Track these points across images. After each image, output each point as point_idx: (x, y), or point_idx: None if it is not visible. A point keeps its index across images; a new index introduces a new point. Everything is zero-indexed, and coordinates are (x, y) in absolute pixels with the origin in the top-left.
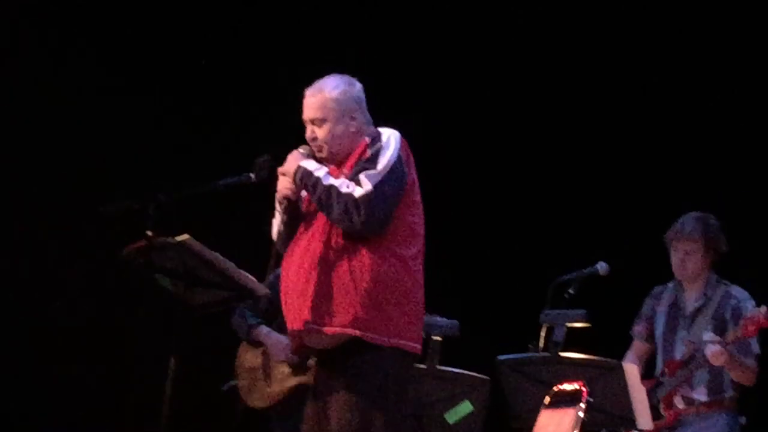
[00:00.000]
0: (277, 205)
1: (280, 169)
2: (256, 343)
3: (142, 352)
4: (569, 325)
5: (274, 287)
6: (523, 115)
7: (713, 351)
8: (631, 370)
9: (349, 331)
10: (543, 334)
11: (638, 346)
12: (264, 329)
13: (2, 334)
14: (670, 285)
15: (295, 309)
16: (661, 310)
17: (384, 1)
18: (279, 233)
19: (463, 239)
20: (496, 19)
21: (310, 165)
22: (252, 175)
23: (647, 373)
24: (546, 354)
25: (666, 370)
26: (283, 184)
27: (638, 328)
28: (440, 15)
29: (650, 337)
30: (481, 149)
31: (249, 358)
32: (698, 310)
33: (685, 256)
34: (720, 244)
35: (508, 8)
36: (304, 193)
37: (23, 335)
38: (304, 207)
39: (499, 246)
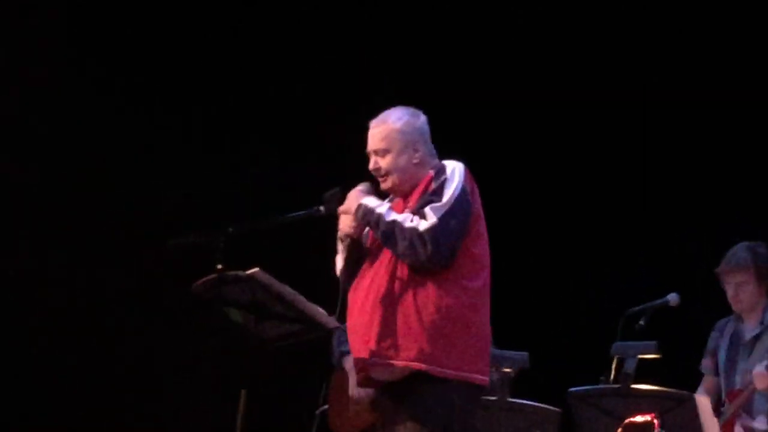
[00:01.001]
0: (339, 243)
1: (340, 208)
2: (345, 371)
3: (214, 386)
4: (640, 356)
5: None
6: (594, 146)
7: (757, 373)
8: (703, 402)
9: (415, 364)
10: (614, 365)
11: (708, 381)
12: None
13: (77, 369)
14: (732, 317)
15: (361, 342)
16: (723, 342)
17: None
18: (342, 270)
19: (534, 271)
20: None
21: (372, 202)
22: (321, 208)
23: (718, 406)
24: (617, 386)
25: (727, 400)
26: (345, 223)
27: (706, 362)
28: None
29: (717, 370)
30: (554, 180)
31: (341, 384)
32: (756, 338)
33: (738, 288)
34: None
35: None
36: (367, 230)
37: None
38: (368, 243)
39: (570, 278)
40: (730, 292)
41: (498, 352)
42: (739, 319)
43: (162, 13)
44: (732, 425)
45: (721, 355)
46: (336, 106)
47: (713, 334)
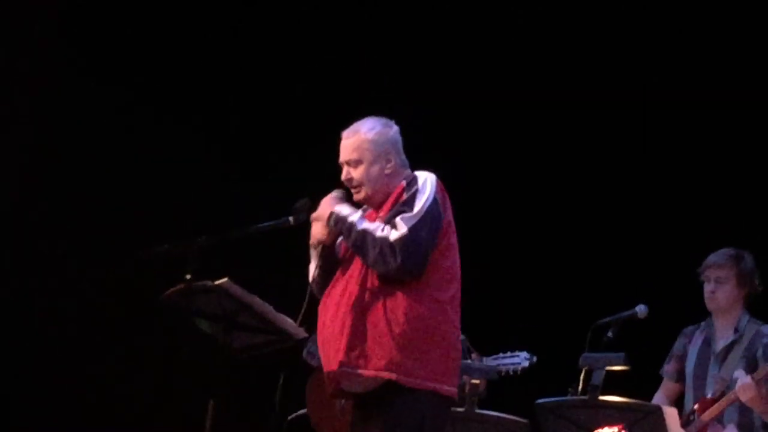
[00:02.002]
0: (312, 251)
1: (313, 215)
2: None
3: (182, 396)
4: (608, 368)
5: None
6: (560, 158)
7: (742, 384)
8: (671, 413)
9: (385, 374)
10: (582, 377)
11: (668, 386)
12: None
13: (44, 383)
14: (702, 324)
15: (331, 352)
16: (693, 348)
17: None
18: (314, 278)
19: (501, 283)
20: (532, 57)
21: (344, 210)
22: (291, 219)
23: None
24: (585, 397)
25: (698, 408)
26: (317, 230)
27: (668, 368)
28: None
29: (680, 376)
30: (518, 191)
31: (319, 384)
32: (729, 348)
33: (717, 286)
34: (753, 279)
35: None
36: (340, 239)
37: (64, 379)
38: (341, 252)
39: (537, 289)
40: (708, 289)
41: (466, 363)
42: (711, 325)
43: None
44: None
45: (690, 363)
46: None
47: (680, 339)
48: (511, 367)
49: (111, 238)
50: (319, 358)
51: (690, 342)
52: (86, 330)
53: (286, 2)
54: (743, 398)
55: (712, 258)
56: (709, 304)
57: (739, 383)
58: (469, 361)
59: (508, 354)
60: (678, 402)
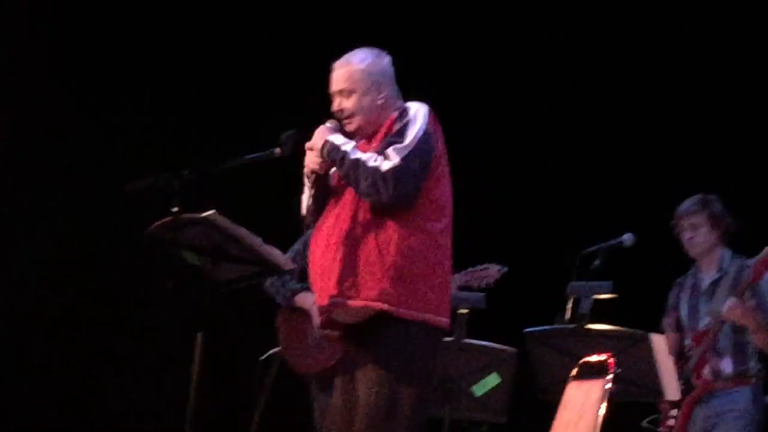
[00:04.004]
0: (306, 180)
1: (307, 144)
2: (298, 309)
3: (169, 328)
4: (596, 296)
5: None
6: (553, 92)
7: (729, 304)
8: (658, 340)
9: (376, 304)
10: (570, 306)
11: (670, 338)
12: (309, 296)
13: (26, 316)
14: (690, 271)
15: (323, 283)
16: (684, 295)
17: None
18: (308, 208)
19: (489, 211)
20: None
21: (338, 139)
22: (278, 150)
23: (680, 361)
24: (573, 326)
25: (693, 343)
26: (311, 159)
27: (667, 320)
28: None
29: (678, 325)
30: (508, 122)
31: (296, 323)
32: (715, 284)
33: (693, 232)
34: (725, 219)
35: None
36: (333, 169)
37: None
38: (333, 182)
39: (525, 218)
40: (685, 237)
41: (454, 293)
42: (697, 270)
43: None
44: (701, 367)
45: (683, 308)
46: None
47: (673, 291)
48: (483, 282)
49: (98, 172)
50: (283, 295)
51: (682, 289)
52: (74, 263)
53: None
54: (732, 317)
55: (682, 207)
56: (691, 251)
57: (725, 306)
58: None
59: (479, 267)
60: (682, 352)
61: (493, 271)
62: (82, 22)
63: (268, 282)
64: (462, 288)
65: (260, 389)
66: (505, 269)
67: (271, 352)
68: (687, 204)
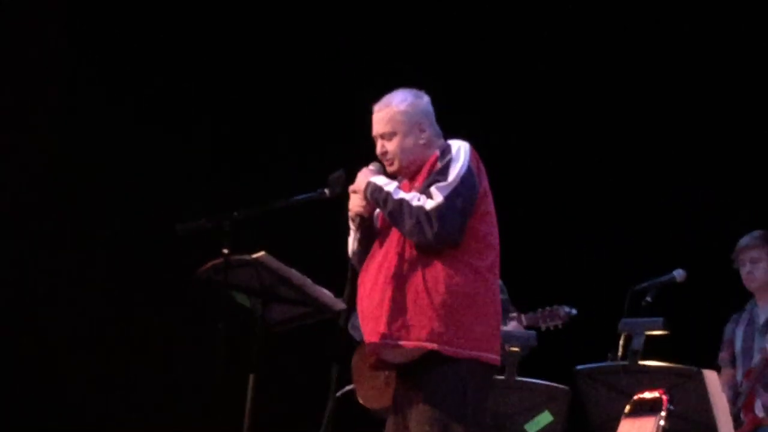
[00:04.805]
0: (351, 223)
1: (351, 187)
2: None
3: (222, 370)
4: (647, 333)
5: None
6: (603, 120)
7: (765, 346)
8: (712, 376)
9: (427, 344)
10: (621, 342)
11: (725, 373)
12: None
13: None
14: (747, 306)
15: (372, 324)
16: (739, 330)
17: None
18: (353, 250)
19: (540, 249)
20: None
21: (380, 180)
22: (326, 191)
23: (735, 398)
24: (625, 363)
25: (744, 380)
26: (355, 202)
27: (722, 355)
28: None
29: (734, 361)
30: (558, 154)
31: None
32: None
33: (752, 266)
34: None
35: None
36: (378, 210)
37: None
38: (378, 224)
39: (576, 255)
40: (744, 270)
41: (505, 330)
42: (754, 304)
43: None
44: (752, 403)
45: (738, 343)
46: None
47: (729, 325)
48: (551, 323)
49: (149, 215)
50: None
51: (737, 325)
52: (125, 306)
53: None
54: None
55: (743, 241)
56: (749, 285)
57: (764, 345)
58: (507, 327)
59: (547, 309)
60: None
61: (561, 312)
62: (132, 59)
63: (350, 324)
64: (528, 328)
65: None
66: (574, 312)
67: (346, 389)
68: (747, 238)
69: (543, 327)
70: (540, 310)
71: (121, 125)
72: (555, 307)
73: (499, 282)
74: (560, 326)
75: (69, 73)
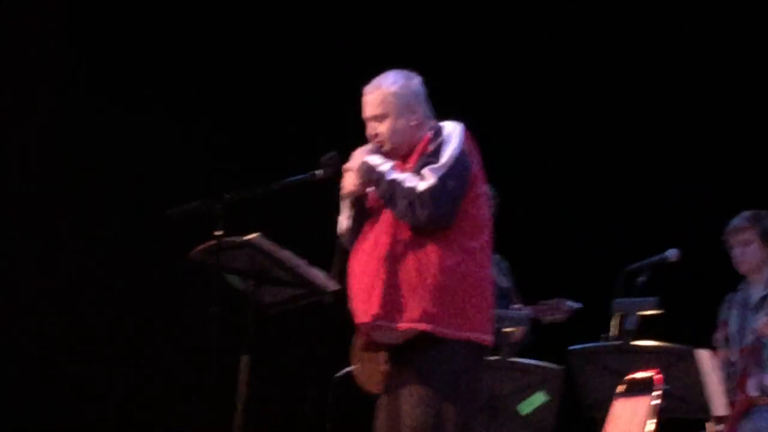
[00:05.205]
0: (342, 202)
1: (345, 166)
2: None
3: (215, 352)
4: (641, 313)
5: None
6: (591, 98)
7: (762, 321)
8: (705, 355)
9: (419, 325)
10: (615, 322)
11: (720, 354)
12: None
13: (77, 334)
14: (740, 286)
15: (363, 305)
16: (733, 311)
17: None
18: (345, 229)
19: (532, 228)
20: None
21: (375, 160)
22: (319, 172)
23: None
24: (618, 342)
25: (738, 359)
26: (349, 180)
27: (717, 336)
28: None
29: (728, 341)
30: (547, 133)
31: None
32: (764, 299)
33: (742, 249)
34: None
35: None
36: (370, 189)
37: (99, 337)
38: (370, 203)
39: (568, 234)
40: (736, 253)
41: (499, 311)
42: (746, 284)
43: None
44: (744, 382)
45: (732, 324)
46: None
47: (723, 306)
48: (553, 317)
49: (140, 196)
50: None
51: (731, 306)
52: (118, 287)
53: None
54: (764, 333)
55: (732, 223)
56: (740, 268)
57: (758, 321)
58: (502, 309)
59: (550, 302)
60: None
61: (565, 306)
62: (122, 44)
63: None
64: (531, 320)
65: (329, 407)
66: (579, 306)
67: (346, 370)
68: (737, 220)
69: (546, 320)
70: (542, 302)
71: (115, 121)
72: (558, 300)
73: (505, 264)
74: (563, 320)
75: (68, 71)
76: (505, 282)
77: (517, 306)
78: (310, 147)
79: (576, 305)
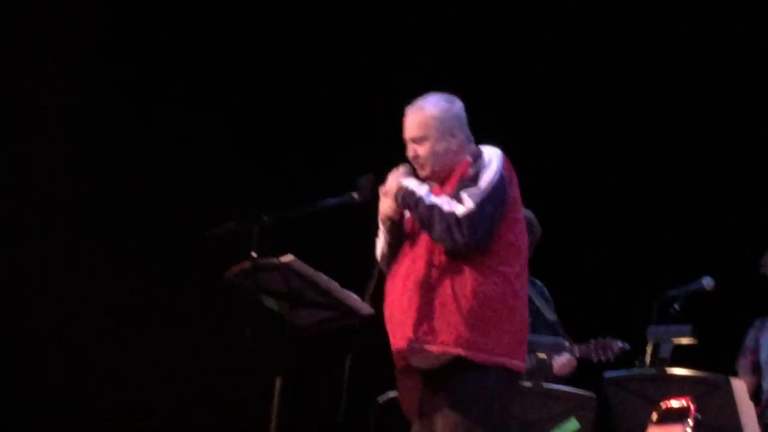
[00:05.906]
0: (380, 225)
1: (382, 189)
2: None
3: (249, 373)
4: (675, 340)
5: None
6: (629, 127)
7: None
8: (739, 385)
9: (453, 350)
10: (649, 350)
11: (745, 380)
12: None
13: (114, 355)
14: None
15: (399, 329)
16: (764, 339)
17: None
18: (382, 253)
19: (568, 255)
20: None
21: (412, 184)
22: (355, 195)
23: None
24: (652, 370)
25: None
26: (386, 204)
27: (742, 362)
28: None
29: (755, 369)
30: (584, 162)
31: None
32: None
33: None
34: None
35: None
36: (407, 213)
37: (136, 358)
38: (408, 227)
39: (604, 262)
40: None
41: (533, 337)
42: None
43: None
44: None
45: (764, 352)
46: (369, 96)
47: (750, 332)
48: (603, 356)
49: (177, 219)
50: None
51: (761, 333)
52: (154, 308)
53: None
54: None
55: None
56: None
57: None
58: (562, 359)
59: (600, 341)
60: (755, 396)
61: (614, 345)
62: (159, 69)
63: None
64: (580, 360)
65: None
66: (627, 346)
67: (390, 394)
68: None
69: (595, 359)
70: (593, 341)
71: (147, 131)
72: (608, 339)
73: (547, 294)
74: (611, 359)
75: (95, 77)
76: (551, 315)
77: (566, 344)
78: (346, 167)
79: (625, 345)
